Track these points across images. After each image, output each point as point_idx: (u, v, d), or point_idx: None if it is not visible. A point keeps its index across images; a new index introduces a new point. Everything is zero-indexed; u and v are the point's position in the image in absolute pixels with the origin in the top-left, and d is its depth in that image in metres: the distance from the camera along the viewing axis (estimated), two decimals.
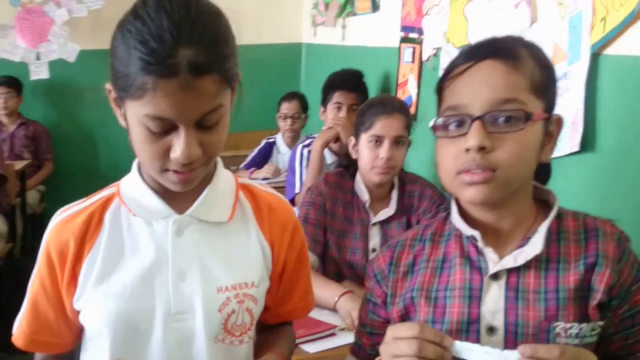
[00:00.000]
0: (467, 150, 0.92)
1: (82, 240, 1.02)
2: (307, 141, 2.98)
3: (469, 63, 0.96)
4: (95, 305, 1.00)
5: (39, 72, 4.32)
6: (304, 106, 3.66)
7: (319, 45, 4.36)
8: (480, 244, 0.99)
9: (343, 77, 2.97)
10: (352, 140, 2.01)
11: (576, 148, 1.71)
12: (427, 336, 0.87)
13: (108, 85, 0.97)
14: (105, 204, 1.05)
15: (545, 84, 0.96)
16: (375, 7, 3.30)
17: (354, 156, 2.00)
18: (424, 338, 0.87)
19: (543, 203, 1.04)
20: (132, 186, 1.05)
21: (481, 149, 0.92)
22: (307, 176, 2.81)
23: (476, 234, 0.99)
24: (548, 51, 1.82)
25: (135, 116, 0.91)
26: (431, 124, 0.99)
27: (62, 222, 1.04)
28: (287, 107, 3.62)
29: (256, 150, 3.82)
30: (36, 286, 1.05)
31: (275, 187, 3.34)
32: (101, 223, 1.03)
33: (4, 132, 4.26)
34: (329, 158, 2.90)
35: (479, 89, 0.94)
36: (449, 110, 0.97)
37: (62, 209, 1.07)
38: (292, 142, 3.52)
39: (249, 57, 4.02)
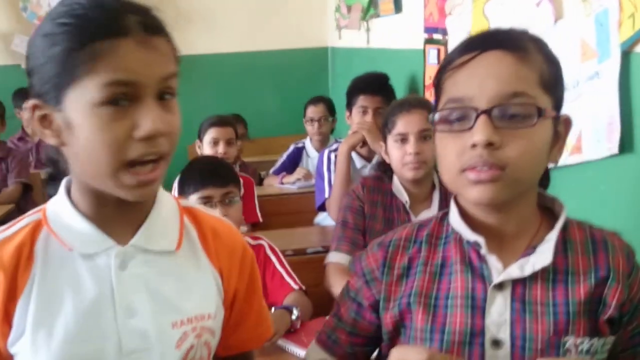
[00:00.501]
0: (473, 146, 0.86)
1: (13, 274, 0.89)
2: (334, 146, 2.95)
3: (473, 53, 0.89)
4: (36, 350, 0.88)
5: None
6: (330, 110, 3.64)
7: (344, 48, 4.32)
8: (484, 250, 0.93)
9: (367, 81, 2.92)
10: (382, 145, 2.02)
11: (615, 150, 1.62)
12: None
13: (29, 103, 0.86)
14: (34, 233, 0.92)
15: (553, 80, 0.91)
16: (398, 8, 3.24)
17: (387, 161, 2.02)
18: None
19: (546, 210, 0.98)
20: (61, 214, 0.92)
21: (489, 144, 0.85)
22: (334, 181, 2.78)
23: (480, 240, 0.93)
24: (576, 49, 1.77)
25: (85, 103, 0.81)
26: (431, 117, 0.93)
27: None
28: (313, 111, 3.62)
29: (285, 155, 3.82)
30: None
31: (307, 191, 3.36)
32: (32, 257, 0.90)
33: (29, 142, 4.36)
34: (358, 162, 2.86)
35: (485, 80, 0.87)
36: (451, 103, 0.90)
37: None
38: (321, 146, 3.50)
39: (275, 63, 4.06)
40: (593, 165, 1.70)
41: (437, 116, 0.92)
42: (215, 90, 4.76)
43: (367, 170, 2.75)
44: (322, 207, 2.91)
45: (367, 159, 2.81)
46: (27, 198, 3.62)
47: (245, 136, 3.75)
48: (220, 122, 2.99)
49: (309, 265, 2.20)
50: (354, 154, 2.80)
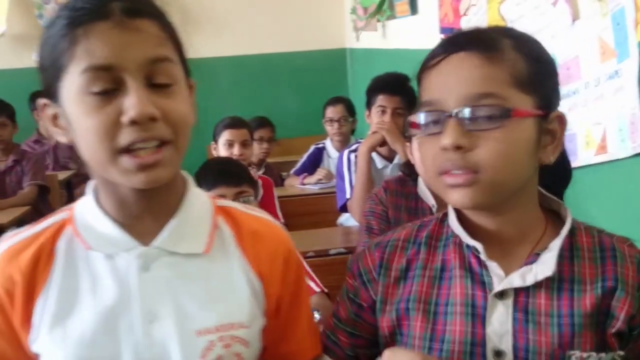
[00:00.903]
0: (444, 149, 0.84)
1: (31, 275, 0.87)
2: (354, 146, 2.95)
3: (443, 55, 0.87)
4: (52, 352, 0.86)
5: None
6: (350, 110, 3.64)
7: (362, 49, 4.33)
8: (483, 256, 0.89)
9: (386, 80, 2.91)
10: (407, 145, 1.94)
11: (639, 149, 1.61)
12: None
13: (40, 103, 0.86)
14: (57, 232, 0.90)
15: (534, 77, 0.86)
16: (414, 9, 3.25)
17: (412, 162, 1.95)
18: None
19: (553, 213, 0.94)
20: (87, 213, 0.90)
21: (457, 148, 0.83)
22: (356, 182, 2.77)
23: (479, 245, 0.89)
24: (594, 49, 1.77)
25: (73, 90, 0.79)
26: (409, 121, 0.91)
27: (8, 255, 0.89)
28: (332, 112, 3.62)
29: (305, 156, 3.84)
30: None
31: (329, 192, 3.34)
32: (52, 256, 0.88)
33: (45, 144, 4.39)
34: (379, 163, 2.85)
35: (452, 83, 0.85)
36: (424, 106, 0.89)
37: (7, 235, 0.92)
38: (341, 146, 3.50)
39: (295, 64, 4.07)
40: (620, 164, 1.69)
41: (412, 119, 0.90)
42: (236, 91, 4.82)
43: (389, 170, 2.75)
44: (344, 208, 2.92)
45: (388, 158, 2.81)
46: (44, 200, 3.64)
47: (273, 139, 3.77)
48: (234, 123, 2.93)
49: (332, 267, 2.21)
50: (374, 154, 2.79)
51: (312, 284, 1.89)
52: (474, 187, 0.84)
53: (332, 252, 2.52)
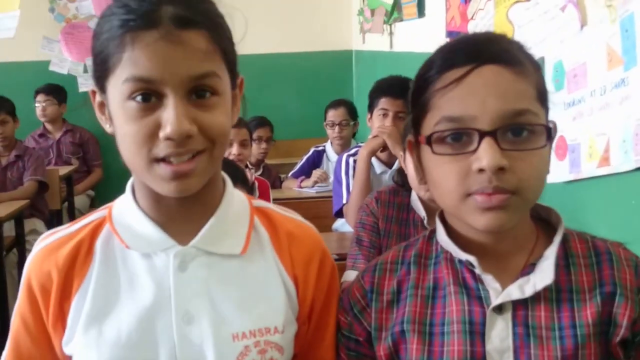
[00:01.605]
0: (481, 170, 0.79)
1: (68, 273, 0.87)
2: (353, 150, 2.91)
3: (466, 66, 0.82)
4: (86, 353, 0.85)
5: (87, 85, 4.47)
6: (351, 113, 3.61)
7: (369, 52, 4.29)
8: (478, 270, 0.86)
9: (389, 83, 2.86)
10: (401, 155, 1.93)
11: None
12: None
13: (91, 88, 0.87)
14: (95, 230, 0.90)
15: (545, 90, 0.86)
16: (421, 12, 3.21)
17: (405, 171, 1.90)
18: None
19: (542, 222, 0.92)
20: (125, 212, 0.90)
21: (500, 169, 0.79)
22: (353, 187, 2.73)
23: (473, 259, 0.86)
24: (602, 56, 1.70)
25: (117, 94, 0.80)
26: (424, 137, 0.86)
27: (45, 250, 0.89)
28: (333, 115, 3.59)
29: (304, 158, 3.82)
30: (17, 324, 0.90)
31: (326, 196, 3.30)
32: (91, 254, 0.88)
33: (50, 139, 4.45)
34: (378, 168, 2.81)
35: (486, 98, 0.80)
36: (447, 122, 0.83)
37: (46, 233, 0.93)
38: (342, 150, 3.48)
39: (300, 65, 4.04)
40: (623, 178, 1.62)
41: (432, 136, 0.84)
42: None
43: (388, 176, 2.70)
44: (340, 213, 2.88)
45: (388, 164, 2.76)
46: (41, 196, 3.70)
47: (271, 139, 3.72)
48: (234, 123, 2.93)
49: None
50: (373, 159, 2.74)
51: None
52: (509, 209, 0.80)
53: None
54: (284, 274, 0.91)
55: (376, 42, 4.00)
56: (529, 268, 0.86)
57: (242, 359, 0.86)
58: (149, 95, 0.78)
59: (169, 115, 0.77)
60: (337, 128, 3.56)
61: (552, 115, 1.99)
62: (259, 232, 0.93)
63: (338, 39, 4.75)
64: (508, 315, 0.84)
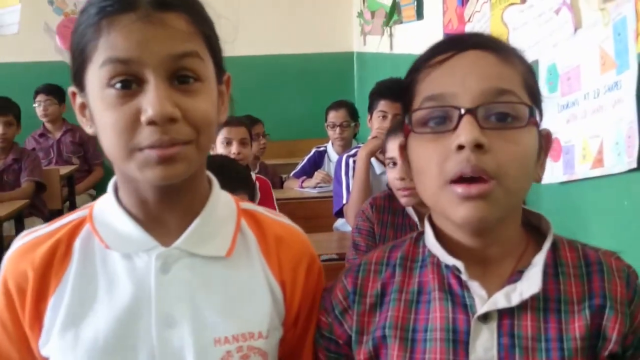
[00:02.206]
0: (460, 147, 0.75)
1: (45, 273, 0.84)
2: (353, 151, 2.93)
3: (453, 51, 0.81)
4: (63, 356, 0.82)
5: None
6: (352, 114, 3.61)
7: (370, 53, 4.30)
8: (464, 276, 0.82)
9: (388, 86, 2.88)
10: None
11: (634, 165, 1.56)
12: None
13: (71, 89, 0.83)
14: (75, 230, 0.87)
15: (536, 90, 0.83)
16: (419, 14, 3.22)
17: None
18: None
19: (532, 229, 0.89)
20: (106, 211, 0.87)
21: (477, 146, 0.75)
22: (353, 187, 2.75)
23: (459, 264, 0.82)
24: (595, 59, 1.72)
25: (95, 83, 0.76)
26: (406, 120, 0.83)
27: (22, 250, 0.86)
28: (334, 116, 3.60)
29: (306, 158, 3.83)
30: None
31: (327, 196, 3.31)
32: (69, 254, 0.85)
33: (50, 138, 4.47)
34: (378, 168, 2.82)
35: (468, 76, 0.78)
36: (429, 101, 0.80)
37: (24, 232, 0.89)
38: (343, 151, 3.48)
39: (302, 66, 4.05)
40: (616, 180, 1.64)
41: (412, 117, 0.82)
42: (241, 92, 4.78)
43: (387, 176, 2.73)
44: (340, 213, 2.90)
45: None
46: (39, 196, 3.72)
47: (265, 134, 3.73)
48: (232, 121, 2.80)
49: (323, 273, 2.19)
50: (373, 160, 2.76)
51: None
52: (489, 199, 0.76)
53: (323, 257, 2.49)
54: (270, 278, 0.89)
55: (377, 44, 4.02)
56: (516, 275, 0.82)
57: None
58: (128, 81, 0.75)
59: (150, 97, 0.74)
60: (337, 129, 3.57)
61: (546, 117, 2.01)
62: (246, 235, 0.90)
63: (340, 41, 4.77)
64: (493, 325, 0.80)
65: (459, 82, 0.79)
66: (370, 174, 2.71)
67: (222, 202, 0.90)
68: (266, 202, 2.78)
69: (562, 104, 1.83)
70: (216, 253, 0.87)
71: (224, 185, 1.83)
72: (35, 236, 0.87)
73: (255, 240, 0.91)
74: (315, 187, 3.54)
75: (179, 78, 0.77)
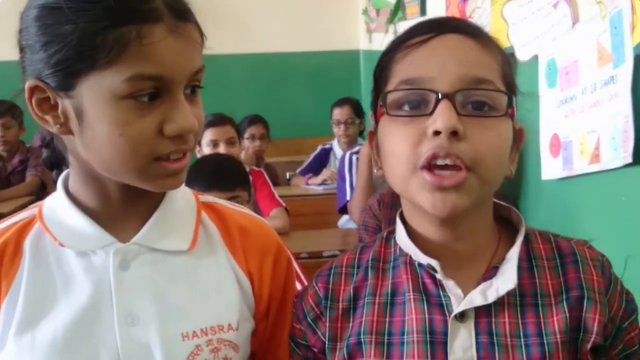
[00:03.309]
0: (436, 133, 0.73)
1: None
2: (357, 148, 2.94)
3: (431, 34, 0.78)
4: (20, 359, 0.79)
5: None
6: (357, 111, 3.61)
7: (376, 51, 4.29)
8: (439, 275, 0.80)
9: None
10: None
11: (629, 159, 1.55)
12: None
13: (28, 84, 0.75)
14: (23, 230, 0.83)
15: (512, 81, 0.81)
16: (423, 11, 3.22)
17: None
18: None
19: (504, 222, 0.87)
20: (57, 208, 0.84)
21: (453, 133, 0.73)
22: (356, 184, 2.76)
23: (435, 263, 0.79)
24: (593, 53, 1.71)
25: (105, 93, 0.72)
26: (380, 103, 0.80)
27: None
28: (339, 113, 3.60)
29: (312, 156, 3.85)
30: None
31: (331, 193, 3.32)
32: (19, 254, 0.81)
33: None
34: None
35: (447, 61, 0.76)
36: (405, 84, 0.77)
37: None
38: (348, 148, 3.49)
39: (308, 64, 4.04)
40: (613, 174, 1.63)
41: (387, 99, 0.78)
42: (248, 89, 4.81)
43: None
44: (344, 210, 2.90)
45: None
46: (44, 194, 3.73)
47: (266, 137, 3.72)
48: (217, 121, 2.69)
49: None
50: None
51: (299, 286, 1.85)
52: (462, 190, 0.74)
53: (325, 254, 2.49)
54: (237, 269, 0.87)
55: (382, 42, 4.01)
56: (491, 272, 0.80)
57: (194, 359, 0.82)
58: (155, 94, 0.73)
59: (181, 112, 0.74)
60: (342, 126, 3.58)
61: (545, 113, 2.00)
62: (208, 228, 0.89)
63: (346, 39, 4.76)
64: (471, 324, 0.78)
65: (437, 66, 0.76)
66: (372, 170, 2.72)
67: (180, 196, 0.89)
68: (261, 189, 2.75)
69: (560, 99, 1.82)
70: (178, 247, 0.85)
71: (225, 186, 1.83)
72: None
73: (218, 233, 0.89)
74: (320, 184, 3.56)
75: (191, 88, 0.78)
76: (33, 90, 0.75)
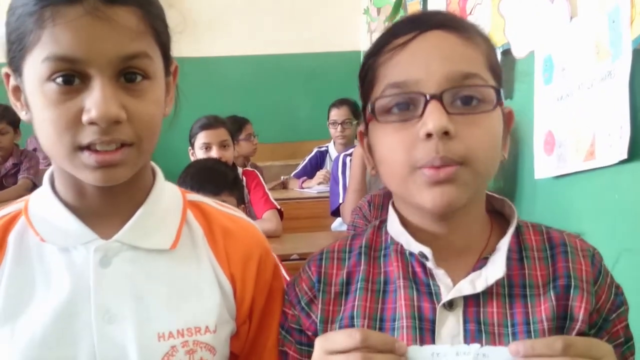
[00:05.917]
0: (428, 135, 0.74)
1: None
2: (350, 150, 2.90)
3: (411, 33, 0.78)
4: None
5: None
6: (354, 112, 3.57)
7: None
8: (430, 263, 0.81)
9: None
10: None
11: (624, 155, 1.50)
12: (374, 344, 0.68)
13: (3, 71, 0.79)
14: (9, 224, 0.83)
15: (498, 67, 0.82)
16: (424, 9, 3.16)
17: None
18: (370, 347, 0.68)
19: (497, 214, 0.87)
20: (42, 203, 0.83)
21: (444, 134, 0.74)
22: (348, 185, 2.74)
23: (427, 251, 0.80)
24: (590, 48, 1.65)
25: (34, 75, 0.72)
26: (369, 108, 0.81)
27: None
28: (336, 114, 3.57)
29: (307, 158, 3.81)
30: None
31: (325, 196, 3.26)
32: (2, 249, 0.82)
33: None
34: None
35: (431, 61, 0.77)
36: (392, 89, 0.78)
37: None
38: (344, 149, 3.44)
39: (308, 66, 3.98)
40: (608, 171, 1.58)
41: (375, 106, 0.80)
42: (247, 92, 4.77)
43: None
44: (337, 212, 2.86)
45: None
46: None
47: (253, 135, 3.64)
48: (210, 124, 2.64)
49: None
50: None
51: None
52: (457, 183, 0.76)
53: None
54: (219, 271, 0.86)
55: None
56: (481, 262, 0.81)
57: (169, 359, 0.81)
58: (71, 76, 0.72)
59: (95, 98, 0.71)
60: (339, 127, 3.55)
61: (542, 110, 1.94)
62: (192, 227, 0.88)
63: (346, 40, 4.72)
64: (459, 312, 0.79)
65: (422, 67, 0.77)
66: (366, 172, 2.67)
67: (166, 194, 0.88)
68: (255, 190, 2.72)
69: (557, 95, 1.77)
70: (160, 246, 0.84)
71: (209, 190, 1.81)
72: None
73: (202, 232, 0.88)
74: (313, 188, 3.52)
75: (126, 76, 0.74)
76: (7, 78, 0.79)
